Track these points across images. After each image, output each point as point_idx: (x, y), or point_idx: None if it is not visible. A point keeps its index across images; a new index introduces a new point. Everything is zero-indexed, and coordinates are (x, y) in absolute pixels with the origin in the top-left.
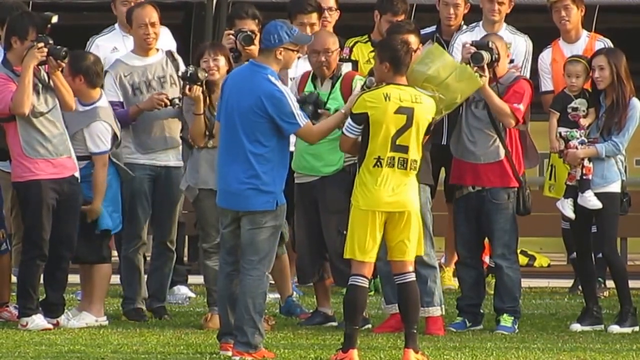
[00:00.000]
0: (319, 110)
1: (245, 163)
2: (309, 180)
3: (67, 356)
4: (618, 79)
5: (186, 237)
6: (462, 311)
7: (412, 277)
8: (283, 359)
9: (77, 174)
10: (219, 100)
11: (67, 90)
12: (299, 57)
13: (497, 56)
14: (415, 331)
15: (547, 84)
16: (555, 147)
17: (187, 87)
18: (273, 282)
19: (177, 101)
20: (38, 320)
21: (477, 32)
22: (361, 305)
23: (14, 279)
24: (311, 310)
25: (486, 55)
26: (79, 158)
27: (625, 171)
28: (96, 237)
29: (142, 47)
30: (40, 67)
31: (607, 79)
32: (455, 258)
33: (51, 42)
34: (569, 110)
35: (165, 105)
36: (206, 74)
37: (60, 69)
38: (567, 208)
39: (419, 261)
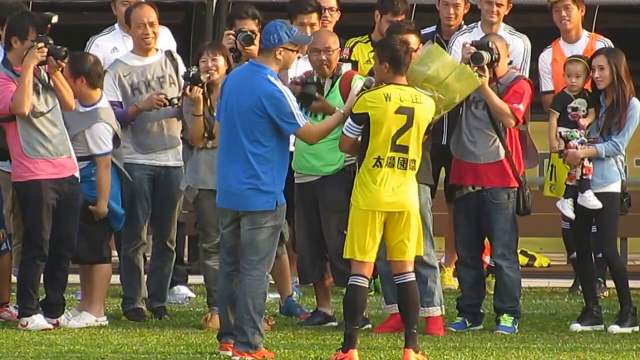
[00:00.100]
0: (317, 95)
1: (245, 163)
2: (309, 180)
3: (67, 356)
4: (618, 79)
5: (186, 237)
6: (462, 311)
7: (412, 277)
8: (283, 359)
9: (77, 174)
10: (219, 100)
11: (67, 90)
12: (298, 57)
13: (497, 56)
14: (415, 331)
15: (547, 84)
16: (555, 147)
17: (188, 87)
18: (273, 282)
19: (175, 101)
20: (38, 320)
21: (475, 33)
22: (361, 305)
23: (14, 279)
24: (311, 310)
25: (486, 55)
26: (80, 159)
27: (625, 171)
28: (96, 237)
29: (141, 47)
30: (40, 67)
31: (607, 78)
32: (455, 258)
33: (51, 42)
34: (569, 110)
35: (164, 105)
36: (208, 76)
37: (60, 68)
38: (567, 208)
39: (419, 261)
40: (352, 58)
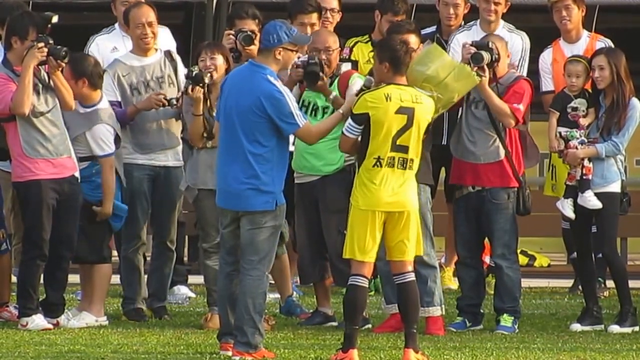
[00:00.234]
0: (320, 74)
1: (245, 163)
2: (309, 180)
3: (67, 356)
4: (618, 79)
5: (186, 237)
6: (462, 311)
7: (412, 277)
8: (283, 359)
9: (77, 174)
10: (218, 100)
11: (67, 90)
12: (298, 57)
13: (497, 56)
14: (415, 331)
15: (547, 84)
16: (555, 147)
17: (190, 86)
18: (273, 282)
19: (174, 101)
20: (38, 320)
21: (474, 31)
22: (361, 305)
23: (14, 279)
24: (311, 310)
25: (486, 56)
26: (81, 159)
27: (625, 171)
28: (97, 237)
29: (140, 47)
30: (40, 67)
31: (607, 78)
32: (455, 258)
33: (51, 42)
34: (569, 110)
35: (163, 105)
36: (210, 76)
37: (60, 68)
38: (567, 208)
39: (419, 261)
40: (353, 58)
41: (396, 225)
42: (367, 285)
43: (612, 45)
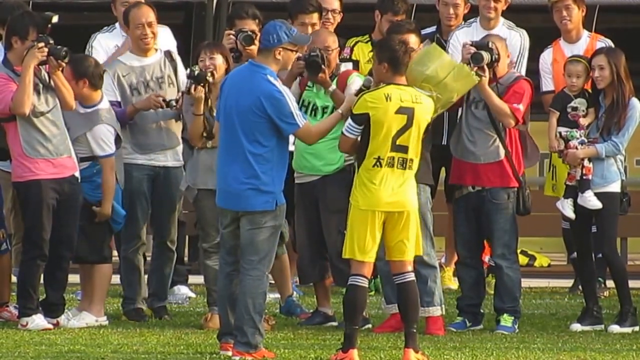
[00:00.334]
0: (323, 66)
1: (245, 163)
2: (310, 180)
3: (67, 356)
4: (618, 79)
5: (187, 236)
6: (462, 311)
7: (412, 276)
8: (283, 359)
9: (77, 174)
10: (218, 100)
11: (68, 90)
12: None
13: (497, 56)
14: (415, 331)
15: (547, 84)
16: (555, 147)
17: (193, 86)
18: (273, 282)
19: (174, 103)
20: (38, 320)
21: (473, 28)
22: (361, 305)
23: (14, 279)
24: (311, 310)
25: (486, 56)
26: (82, 159)
27: (625, 171)
28: (97, 237)
29: (140, 48)
30: (40, 67)
31: (606, 78)
32: (455, 258)
33: (52, 42)
34: (569, 110)
35: (162, 107)
36: (212, 76)
37: (60, 68)
38: (567, 208)
39: (419, 261)
40: (353, 58)
41: (396, 225)
42: (367, 285)
43: (612, 45)
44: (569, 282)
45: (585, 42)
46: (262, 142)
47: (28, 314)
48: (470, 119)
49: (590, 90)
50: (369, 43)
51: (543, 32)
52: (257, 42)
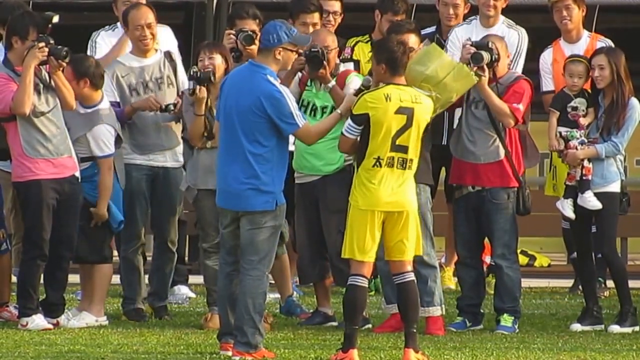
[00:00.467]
0: (324, 62)
1: (245, 163)
2: (310, 180)
3: (67, 356)
4: (618, 79)
5: (187, 236)
6: (462, 311)
7: (411, 276)
8: (283, 359)
9: (77, 174)
10: (218, 100)
11: (68, 90)
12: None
13: (497, 56)
14: (415, 330)
15: (548, 84)
16: (554, 146)
17: (198, 87)
18: (273, 282)
19: (171, 107)
20: (38, 320)
21: (473, 26)
22: (361, 305)
23: (14, 279)
24: (311, 310)
25: (486, 56)
26: (82, 159)
27: (625, 171)
28: (98, 237)
29: (139, 49)
30: (41, 66)
31: (607, 78)
32: (455, 258)
33: (52, 42)
34: (569, 110)
35: (160, 111)
36: (214, 75)
37: (61, 68)
38: (566, 208)
39: (419, 261)
40: (354, 58)
41: (395, 225)
42: (366, 285)
43: (612, 45)
44: (569, 282)
45: (586, 42)
46: (262, 142)
47: (28, 314)
48: (470, 119)
49: (589, 90)
50: (369, 43)
51: (543, 32)
52: (257, 42)
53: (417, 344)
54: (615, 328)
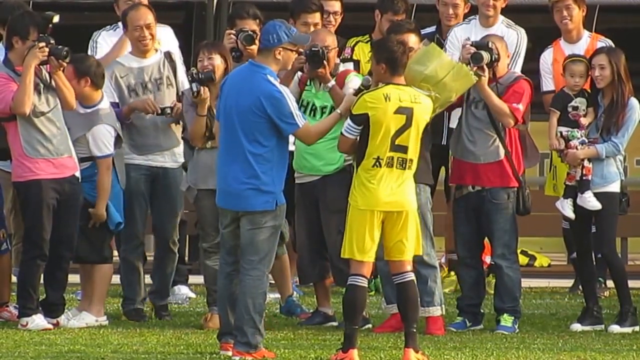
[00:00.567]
0: (325, 61)
1: (245, 163)
2: (310, 180)
3: (67, 356)
4: (618, 78)
5: (187, 236)
6: (462, 311)
7: (411, 276)
8: (283, 359)
9: (77, 174)
10: (218, 100)
11: (69, 90)
12: None
13: (496, 56)
14: (415, 330)
15: (548, 84)
16: (555, 145)
17: (202, 88)
18: (273, 282)
19: (168, 111)
20: (38, 320)
21: (472, 25)
22: (361, 305)
23: (14, 279)
24: (311, 310)
25: (486, 56)
26: (82, 159)
27: (625, 171)
28: (98, 237)
29: (139, 49)
30: (42, 66)
31: (607, 77)
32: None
33: (52, 41)
34: (569, 109)
35: (156, 113)
36: (213, 76)
37: (61, 68)
38: (566, 208)
39: (419, 261)
40: (354, 58)
41: (395, 225)
42: (366, 285)
43: (613, 45)
44: (569, 282)
45: (586, 42)
46: (262, 142)
47: (28, 314)
48: (470, 118)
49: (589, 90)
50: (369, 43)
51: (543, 32)
52: (257, 41)
53: (417, 344)
54: (615, 328)
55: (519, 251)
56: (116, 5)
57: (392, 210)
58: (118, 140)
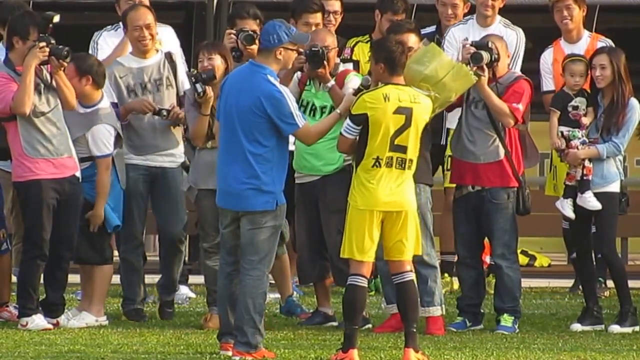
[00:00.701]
0: (324, 61)
1: (245, 163)
2: (310, 180)
3: (67, 356)
4: (619, 78)
5: (187, 236)
6: (462, 311)
7: (410, 276)
8: (283, 359)
9: (77, 174)
10: (218, 100)
11: (70, 90)
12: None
13: (496, 56)
14: (415, 330)
15: (548, 84)
16: (556, 144)
17: (206, 88)
18: (273, 282)
19: (164, 112)
20: (38, 320)
21: (470, 25)
22: (360, 305)
23: (14, 279)
24: (311, 310)
25: (485, 55)
26: (83, 159)
27: (625, 171)
28: (98, 238)
29: (139, 49)
30: (42, 66)
31: (608, 77)
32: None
33: (53, 41)
34: (570, 109)
35: (153, 113)
36: (214, 75)
37: (62, 68)
38: (566, 208)
39: (419, 261)
40: (354, 58)
41: (394, 225)
42: (366, 285)
43: (613, 45)
44: (569, 282)
45: (586, 42)
46: (262, 142)
47: (28, 314)
48: (470, 118)
49: (589, 90)
50: (369, 43)
51: (543, 32)
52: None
53: (417, 344)
54: (615, 328)
55: (519, 251)
56: (117, 5)
57: (391, 210)
58: (118, 140)
